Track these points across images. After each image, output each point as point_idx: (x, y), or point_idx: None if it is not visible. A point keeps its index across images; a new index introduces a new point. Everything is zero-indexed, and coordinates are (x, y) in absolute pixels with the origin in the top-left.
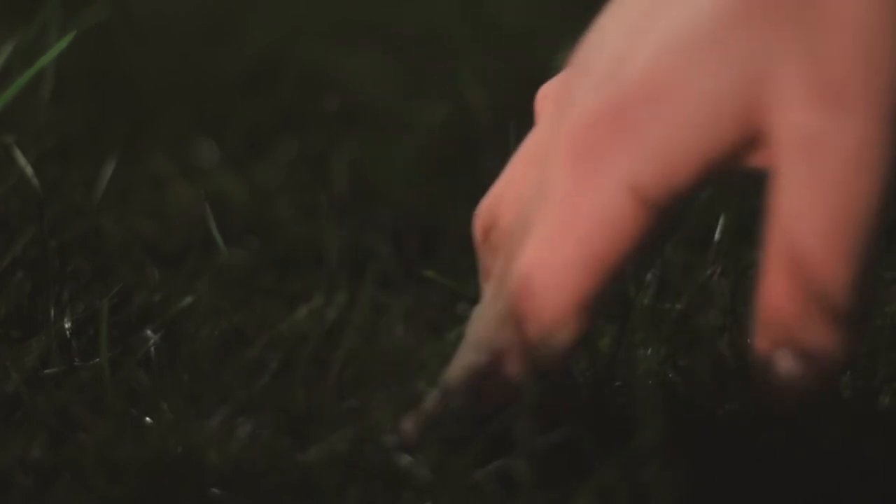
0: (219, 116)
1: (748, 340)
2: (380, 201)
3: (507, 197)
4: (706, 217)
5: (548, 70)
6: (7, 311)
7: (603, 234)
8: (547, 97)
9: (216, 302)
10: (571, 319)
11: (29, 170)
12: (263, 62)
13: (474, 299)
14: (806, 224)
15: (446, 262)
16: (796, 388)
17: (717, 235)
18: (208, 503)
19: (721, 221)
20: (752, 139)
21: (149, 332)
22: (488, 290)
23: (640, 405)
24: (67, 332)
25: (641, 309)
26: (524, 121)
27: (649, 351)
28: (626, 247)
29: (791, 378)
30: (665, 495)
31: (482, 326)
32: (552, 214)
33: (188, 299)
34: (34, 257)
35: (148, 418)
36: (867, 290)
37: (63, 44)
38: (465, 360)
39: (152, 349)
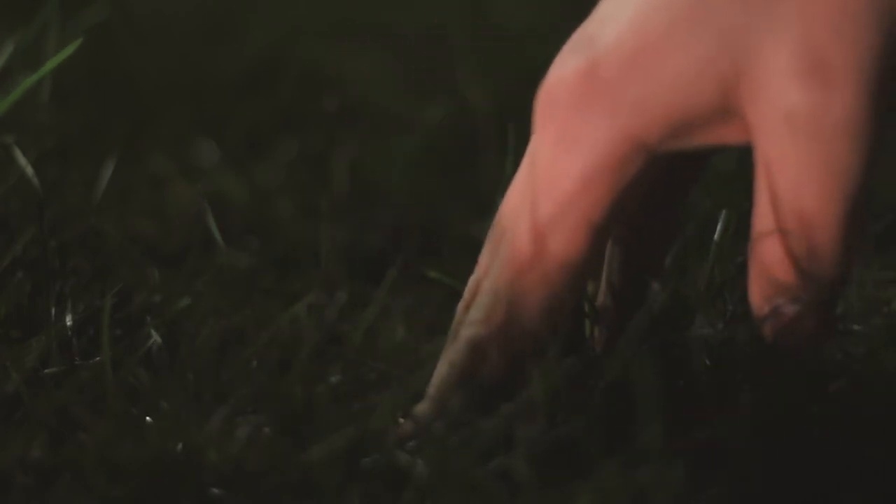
0: (219, 116)
1: (747, 344)
2: (380, 201)
3: None
4: (706, 217)
5: (548, 70)
6: (7, 311)
7: (579, 189)
8: None
9: (216, 302)
10: (559, 277)
11: (29, 170)
12: (263, 62)
13: None
14: (798, 192)
15: (446, 262)
16: (798, 332)
17: (716, 236)
18: (208, 503)
19: (721, 221)
20: (727, 108)
21: (149, 332)
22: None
23: (640, 405)
24: (69, 332)
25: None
26: (524, 121)
27: (649, 351)
28: (606, 202)
29: (792, 324)
30: (665, 495)
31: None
32: (532, 170)
33: (188, 299)
34: (34, 257)
35: (148, 418)
36: (855, 244)
37: (68, 51)
38: (458, 347)
39: (153, 349)
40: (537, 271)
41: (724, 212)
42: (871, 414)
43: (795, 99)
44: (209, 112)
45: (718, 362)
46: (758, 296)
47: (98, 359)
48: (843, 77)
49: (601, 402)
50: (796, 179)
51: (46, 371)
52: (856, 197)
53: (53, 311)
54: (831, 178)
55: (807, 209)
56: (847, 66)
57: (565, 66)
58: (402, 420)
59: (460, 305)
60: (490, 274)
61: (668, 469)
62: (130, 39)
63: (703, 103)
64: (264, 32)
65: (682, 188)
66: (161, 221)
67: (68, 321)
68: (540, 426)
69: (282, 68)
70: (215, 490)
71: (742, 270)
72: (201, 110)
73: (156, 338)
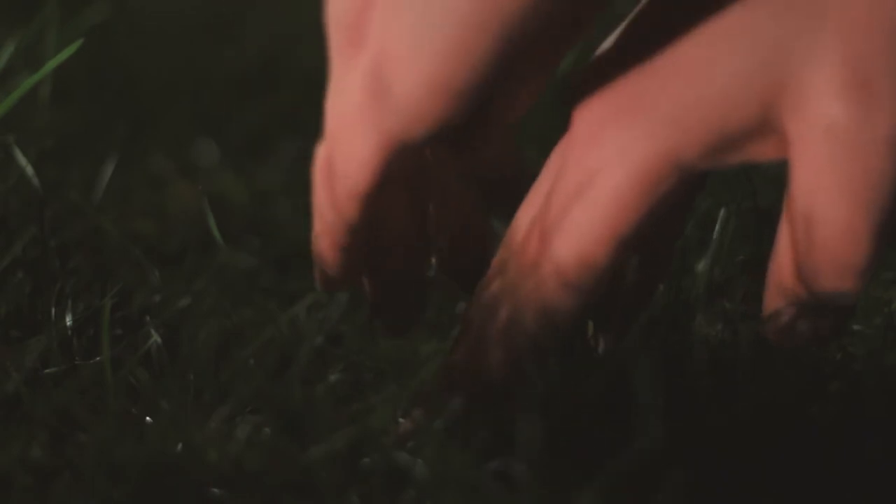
0: (219, 116)
1: (747, 341)
2: None
3: None
4: (706, 217)
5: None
6: (7, 311)
7: (608, 204)
8: None
9: (216, 302)
10: (580, 285)
11: (29, 170)
12: (264, 62)
13: None
14: (833, 206)
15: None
16: (808, 335)
17: (716, 235)
18: (208, 503)
19: (721, 221)
20: (766, 124)
21: (149, 332)
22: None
23: (641, 405)
24: (69, 332)
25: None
26: (524, 120)
27: (649, 351)
28: (635, 217)
29: (804, 327)
30: (665, 495)
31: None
32: (558, 176)
33: (188, 299)
34: (34, 257)
35: (148, 418)
36: (879, 259)
37: (68, 51)
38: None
39: (152, 348)
40: (546, 278)
41: (723, 211)
42: (871, 414)
43: (837, 114)
44: (209, 112)
45: (718, 362)
46: (775, 306)
47: (98, 359)
48: (886, 93)
49: (601, 402)
50: (832, 193)
51: (46, 371)
52: (890, 212)
53: (53, 311)
54: (868, 193)
55: (841, 223)
56: (890, 82)
57: (597, 73)
58: (402, 420)
59: (467, 306)
60: (501, 277)
61: (668, 469)
62: (130, 39)
63: (742, 119)
64: (265, 32)
65: (690, 192)
66: (161, 221)
67: (68, 321)
68: (540, 426)
69: (282, 68)
70: (215, 490)
71: (742, 270)
72: (201, 110)
73: (156, 338)
